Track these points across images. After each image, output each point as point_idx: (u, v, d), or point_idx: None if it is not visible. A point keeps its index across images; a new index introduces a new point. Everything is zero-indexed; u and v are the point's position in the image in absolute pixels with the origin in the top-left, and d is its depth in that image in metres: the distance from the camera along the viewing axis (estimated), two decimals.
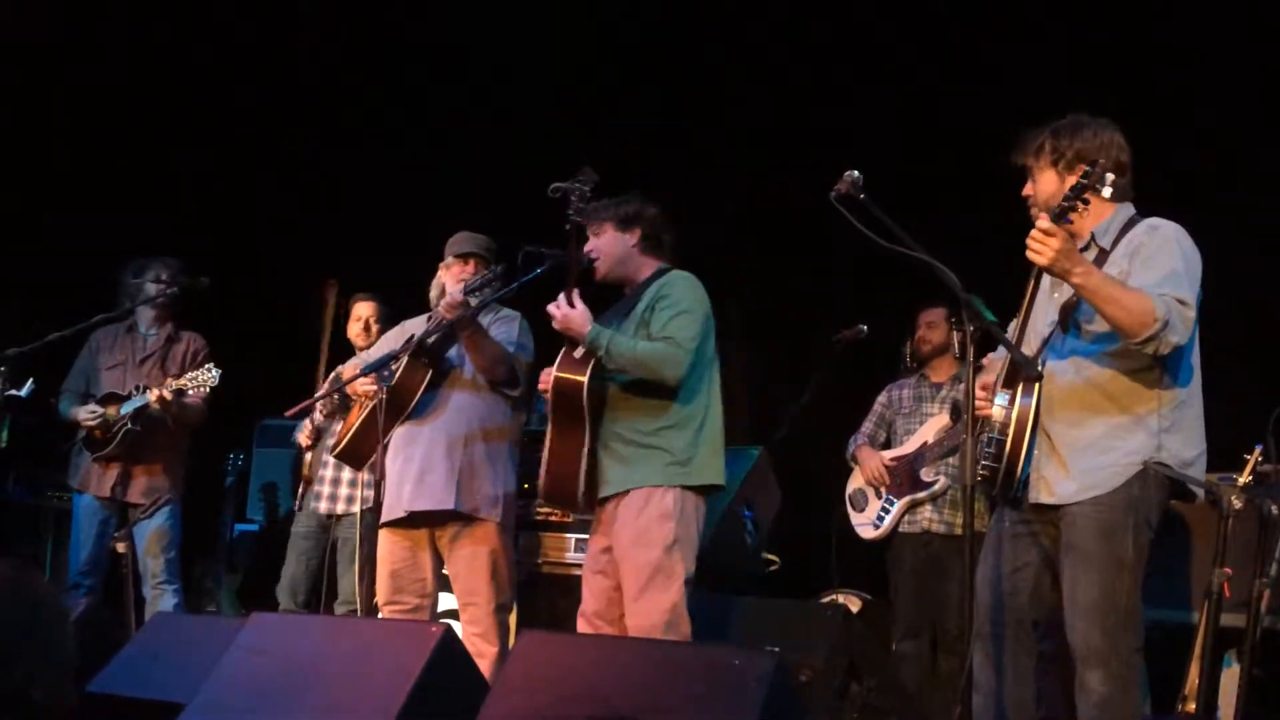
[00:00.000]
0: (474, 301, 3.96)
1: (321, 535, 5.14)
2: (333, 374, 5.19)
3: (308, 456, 5.21)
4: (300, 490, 5.24)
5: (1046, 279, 3.06)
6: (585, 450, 3.59)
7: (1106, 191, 2.96)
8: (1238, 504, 3.08)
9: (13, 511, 5.51)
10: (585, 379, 3.54)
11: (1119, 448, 3.01)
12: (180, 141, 6.96)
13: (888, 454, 4.95)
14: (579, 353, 3.59)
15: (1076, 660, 2.99)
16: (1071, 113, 3.19)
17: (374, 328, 5.06)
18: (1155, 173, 3.24)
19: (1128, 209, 3.16)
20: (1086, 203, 2.95)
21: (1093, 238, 3.12)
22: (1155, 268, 2.98)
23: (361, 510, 4.89)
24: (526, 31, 6.75)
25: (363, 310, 5.13)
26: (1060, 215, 2.94)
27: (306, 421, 5.15)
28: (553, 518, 4.79)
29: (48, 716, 1.76)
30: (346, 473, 4.97)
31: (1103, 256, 3.08)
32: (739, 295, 6.47)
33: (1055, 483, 3.05)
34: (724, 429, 3.78)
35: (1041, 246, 2.84)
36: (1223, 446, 3.33)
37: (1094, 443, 3.02)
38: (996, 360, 3.25)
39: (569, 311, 3.57)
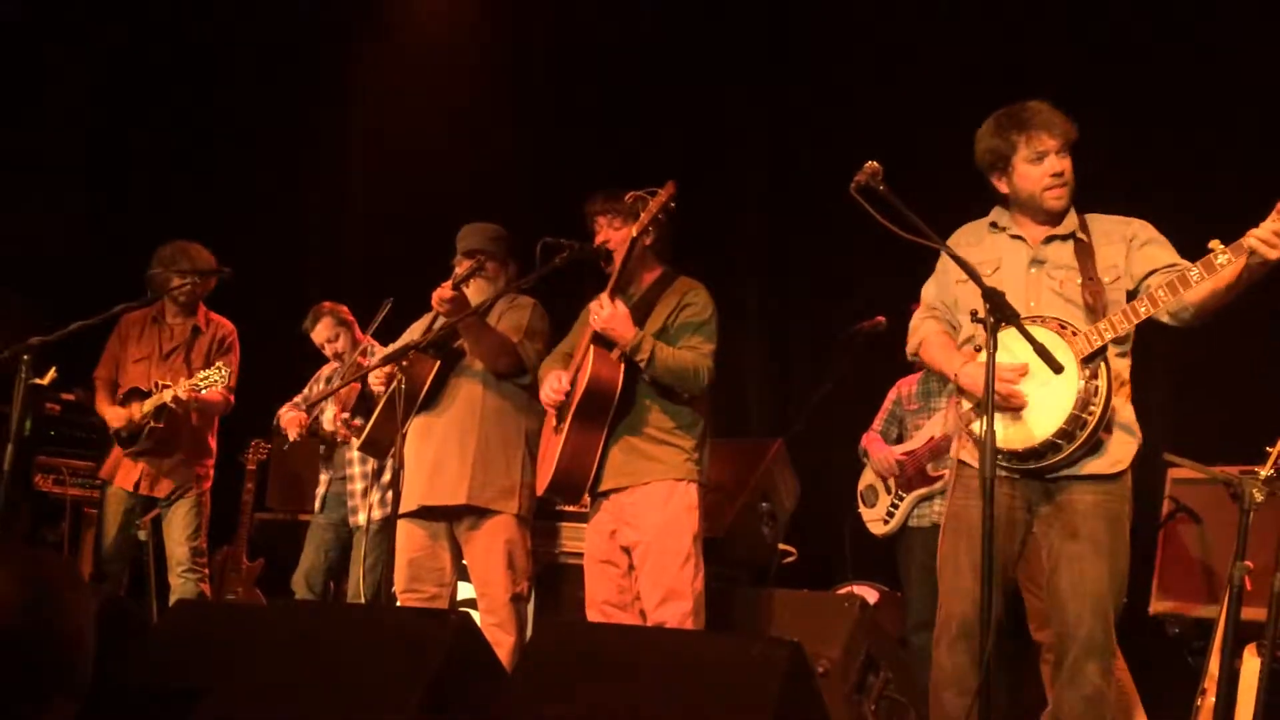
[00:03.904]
0: (470, 294, 4.00)
1: (343, 528, 5.16)
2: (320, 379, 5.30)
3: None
4: (323, 484, 5.24)
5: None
6: (602, 444, 3.67)
7: None
8: (1259, 497, 3.08)
9: (36, 500, 5.55)
10: (620, 382, 3.63)
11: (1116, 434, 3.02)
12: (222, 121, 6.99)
13: (898, 449, 4.93)
14: (615, 354, 3.63)
15: (1070, 647, 2.97)
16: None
17: (329, 346, 5.27)
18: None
19: None
20: None
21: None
22: (1167, 250, 3.10)
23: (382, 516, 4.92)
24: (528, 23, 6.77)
25: (317, 336, 5.27)
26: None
27: (298, 413, 5.15)
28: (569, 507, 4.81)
29: None
30: (376, 479, 5.00)
31: (1086, 248, 3.10)
32: (758, 285, 6.46)
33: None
34: (739, 421, 3.85)
35: None
36: (1245, 439, 3.31)
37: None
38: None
39: (614, 314, 3.61)
